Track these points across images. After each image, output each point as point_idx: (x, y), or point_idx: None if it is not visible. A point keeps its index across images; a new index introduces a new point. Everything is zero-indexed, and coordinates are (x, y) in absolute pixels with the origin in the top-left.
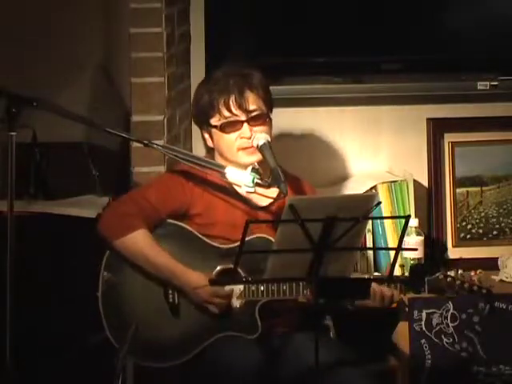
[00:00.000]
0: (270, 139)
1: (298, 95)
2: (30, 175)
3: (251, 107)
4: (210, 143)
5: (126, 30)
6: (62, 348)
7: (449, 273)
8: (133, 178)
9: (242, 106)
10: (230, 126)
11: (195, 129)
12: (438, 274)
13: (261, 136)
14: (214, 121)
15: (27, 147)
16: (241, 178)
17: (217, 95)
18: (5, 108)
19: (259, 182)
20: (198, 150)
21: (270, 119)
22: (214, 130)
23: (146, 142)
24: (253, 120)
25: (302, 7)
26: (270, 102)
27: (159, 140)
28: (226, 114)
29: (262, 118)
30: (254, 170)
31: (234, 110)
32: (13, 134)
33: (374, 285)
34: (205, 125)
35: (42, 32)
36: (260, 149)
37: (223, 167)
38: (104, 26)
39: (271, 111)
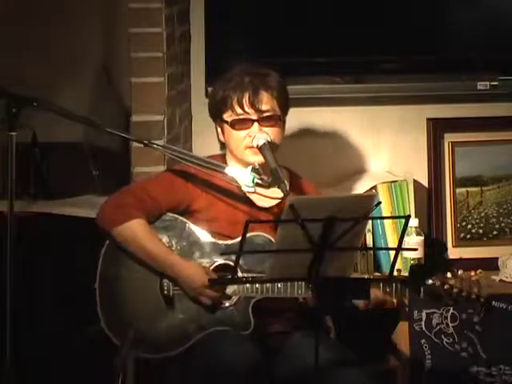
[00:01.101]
0: (270, 139)
1: (298, 95)
2: (30, 175)
3: (264, 107)
4: (221, 137)
5: (126, 29)
6: (61, 348)
7: (448, 276)
8: (133, 177)
9: (254, 105)
10: (240, 123)
11: (195, 129)
12: (435, 281)
13: (261, 136)
14: (226, 116)
15: (27, 147)
16: (241, 178)
17: (231, 92)
18: (5, 108)
19: (259, 182)
20: (198, 150)
21: (283, 121)
22: (225, 125)
23: (145, 141)
24: (264, 120)
25: (302, 7)
26: (286, 104)
27: (159, 140)
28: (239, 111)
29: (273, 119)
30: (253, 169)
31: (246, 108)
32: (13, 134)
33: None
34: (218, 119)
35: (42, 32)
36: (260, 149)
37: (223, 167)
38: (104, 25)
39: (286, 113)
